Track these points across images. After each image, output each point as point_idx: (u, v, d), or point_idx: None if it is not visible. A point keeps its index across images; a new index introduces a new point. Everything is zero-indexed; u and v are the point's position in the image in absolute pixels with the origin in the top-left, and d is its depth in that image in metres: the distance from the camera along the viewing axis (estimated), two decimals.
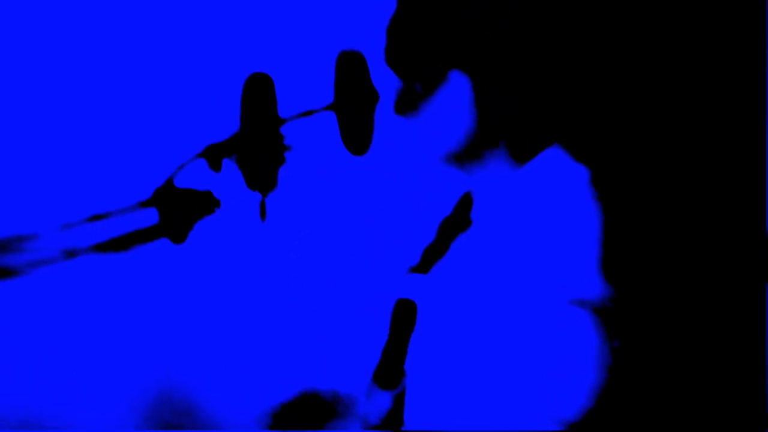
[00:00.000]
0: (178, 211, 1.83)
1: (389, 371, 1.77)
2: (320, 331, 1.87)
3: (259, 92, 1.86)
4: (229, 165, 1.85)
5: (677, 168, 1.94)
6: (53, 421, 1.72)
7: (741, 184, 1.92)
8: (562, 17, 1.80)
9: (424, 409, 1.74)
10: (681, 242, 1.91)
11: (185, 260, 1.81)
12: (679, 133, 1.94)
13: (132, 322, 1.82)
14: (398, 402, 1.79)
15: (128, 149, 1.81)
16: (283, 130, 1.87)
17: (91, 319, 1.77)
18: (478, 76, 1.76)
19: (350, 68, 1.82)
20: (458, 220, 1.84)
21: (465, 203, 1.87)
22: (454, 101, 1.77)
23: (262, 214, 1.84)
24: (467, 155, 1.78)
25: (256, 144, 1.85)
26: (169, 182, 1.84)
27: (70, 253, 1.75)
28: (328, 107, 1.80)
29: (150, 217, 1.82)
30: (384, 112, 1.80)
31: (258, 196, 1.85)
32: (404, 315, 1.78)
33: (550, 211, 1.71)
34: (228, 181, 1.84)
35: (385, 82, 1.77)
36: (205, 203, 1.84)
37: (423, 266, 1.82)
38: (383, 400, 1.77)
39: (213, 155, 1.86)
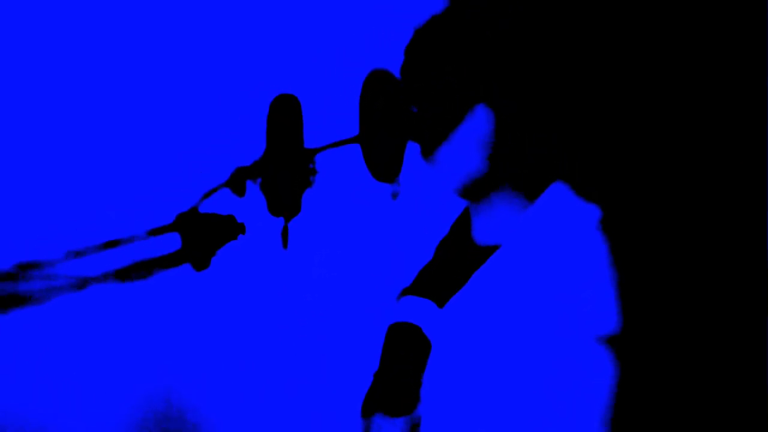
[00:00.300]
0: (202, 236, 1.81)
1: (401, 399, 1.74)
2: (343, 360, 1.84)
3: (285, 113, 1.83)
4: (252, 189, 1.82)
5: (678, 179, 1.91)
6: None
7: (745, 205, 1.89)
8: (561, 21, 1.77)
9: None
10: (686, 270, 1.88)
11: (206, 287, 1.79)
12: (685, 147, 1.91)
13: (149, 347, 1.80)
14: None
15: (151, 171, 1.79)
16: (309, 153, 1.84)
17: (106, 346, 1.75)
18: (497, 106, 1.72)
19: (375, 92, 1.79)
20: (457, 240, 1.80)
21: (463, 222, 1.83)
22: (473, 132, 1.73)
23: (285, 241, 1.82)
24: (476, 191, 1.75)
25: (281, 168, 1.82)
26: (193, 208, 1.81)
27: (89, 280, 1.73)
28: (355, 139, 1.77)
29: (172, 242, 1.80)
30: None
31: (281, 221, 1.82)
32: (402, 340, 1.74)
33: (559, 245, 1.68)
34: (251, 206, 1.82)
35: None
36: (228, 228, 1.82)
37: (429, 292, 1.78)
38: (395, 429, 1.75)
39: (237, 179, 1.83)
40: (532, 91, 1.75)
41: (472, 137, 1.73)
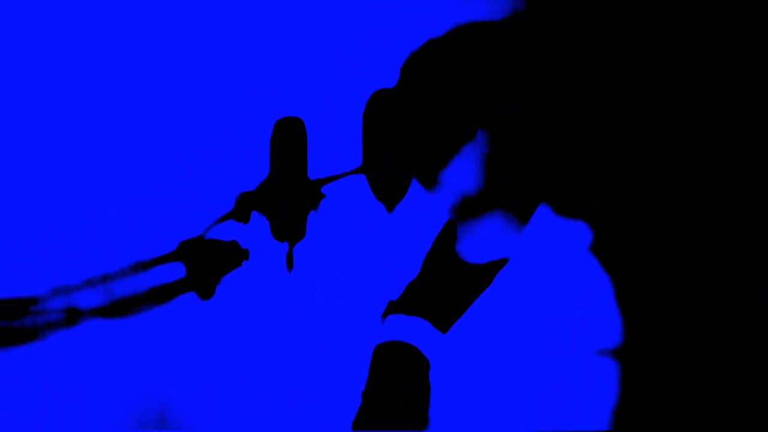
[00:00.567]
0: (206, 264, 1.81)
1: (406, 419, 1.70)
2: (349, 382, 1.81)
3: (288, 136, 1.81)
4: (255, 214, 1.81)
5: (681, 184, 1.80)
6: None
7: (748, 212, 1.77)
8: (564, 24, 1.70)
9: None
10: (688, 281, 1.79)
11: (211, 314, 1.79)
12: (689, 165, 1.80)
13: (156, 376, 1.82)
14: None
15: (154, 198, 1.80)
16: (312, 176, 1.82)
17: (106, 378, 1.78)
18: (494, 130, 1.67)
19: (377, 119, 1.76)
20: (442, 254, 1.74)
21: (448, 235, 1.76)
22: (470, 153, 1.67)
23: (289, 264, 1.80)
24: (471, 209, 1.70)
25: (285, 191, 1.80)
26: (198, 236, 1.82)
27: (90, 312, 1.76)
28: (359, 170, 1.75)
29: (175, 271, 1.81)
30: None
31: (285, 246, 1.80)
32: (395, 360, 1.70)
33: (555, 261, 1.62)
34: (254, 231, 1.81)
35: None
36: (232, 255, 1.81)
37: (416, 309, 1.73)
38: None
39: (242, 206, 1.82)
40: (534, 96, 1.68)
41: (472, 158, 1.68)
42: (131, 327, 1.77)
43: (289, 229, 1.80)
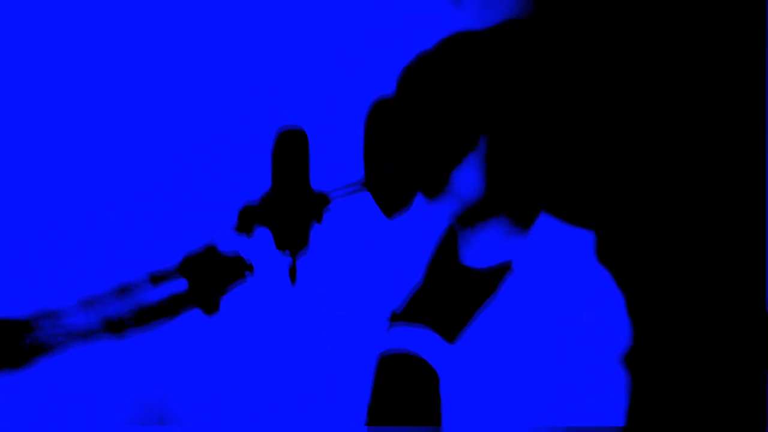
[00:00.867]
0: (210, 279, 1.78)
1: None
2: (353, 398, 1.79)
3: (290, 147, 1.80)
4: (258, 227, 1.79)
5: (681, 184, 1.82)
6: None
7: (747, 212, 1.80)
8: (562, 24, 1.71)
9: None
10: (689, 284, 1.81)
11: (216, 327, 1.76)
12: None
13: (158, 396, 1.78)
14: None
15: (153, 211, 1.77)
16: (316, 186, 1.80)
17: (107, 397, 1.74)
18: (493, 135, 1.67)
19: (381, 125, 1.75)
20: (444, 262, 1.74)
21: (449, 243, 1.76)
22: (472, 161, 1.67)
23: (293, 278, 1.77)
24: (472, 215, 1.69)
25: (288, 203, 1.78)
26: (201, 250, 1.79)
27: (95, 330, 1.72)
28: (361, 184, 1.73)
29: (178, 286, 1.77)
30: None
31: (288, 258, 1.77)
32: (402, 371, 1.68)
33: (559, 266, 1.62)
34: (257, 243, 1.78)
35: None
36: (236, 268, 1.78)
37: (419, 317, 1.71)
38: None
39: (245, 218, 1.80)
40: (536, 99, 1.69)
41: (474, 163, 1.68)
42: (134, 344, 1.73)
43: (292, 241, 1.78)
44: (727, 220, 1.79)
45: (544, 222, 1.66)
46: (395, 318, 1.66)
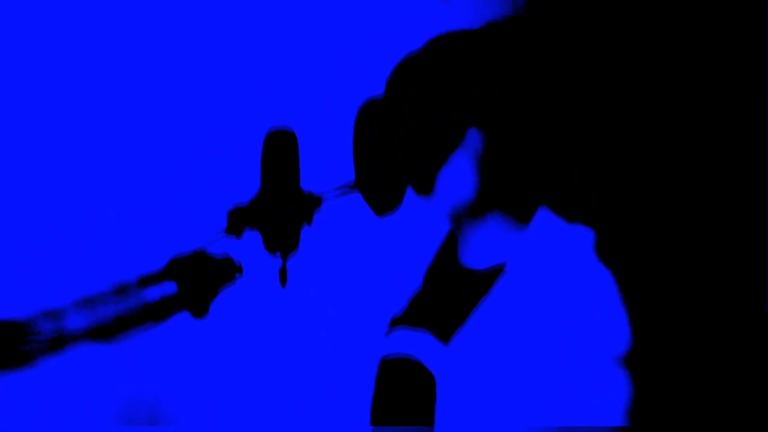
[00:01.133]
0: (198, 281, 1.76)
1: None
2: (344, 400, 1.77)
3: (279, 148, 1.78)
4: (248, 228, 1.77)
5: (679, 183, 1.82)
6: None
7: (747, 211, 1.79)
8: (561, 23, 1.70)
9: None
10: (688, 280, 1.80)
11: (206, 330, 1.74)
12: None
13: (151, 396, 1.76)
14: None
15: (142, 213, 1.76)
16: (305, 187, 1.79)
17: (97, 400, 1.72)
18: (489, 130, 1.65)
19: (371, 125, 1.73)
20: (444, 266, 1.73)
21: (449, 247, 1.75)
22: (464, 157, 1.66)
23: (283, 279, 1.76)
24: (471, 211, 1.68)
25: (278, 205, 1.76)
26: (191, 253, 1.77)
27: (80, 335, 1.70)
28: (352, 185, 1.72)
29: (166, 289, 1.75)
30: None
31: (278, 260, 1.76)
32: (398, 373, 1.67)
33: (559, 267, 1.61)
34: (247, 245, 1.77)
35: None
36: (226, 271, 1.77)
37: (420, 322, 1.71)
38: None
39: (235, 220, 1.78)
40: (531, 95, 1.68)
41: (465, 158, 1.66)
42: (126, 346, 1.71)
43: (282, 242, 1.76)
44: (728, 220, 1.79)
45: (543, 220, 1.65)
46: (396, 322, 1.66)
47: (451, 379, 1.65)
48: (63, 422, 1.70)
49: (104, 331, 1.72)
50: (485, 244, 1.69)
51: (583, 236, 1.64)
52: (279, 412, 1.76)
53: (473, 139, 1.66)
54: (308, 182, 1.78)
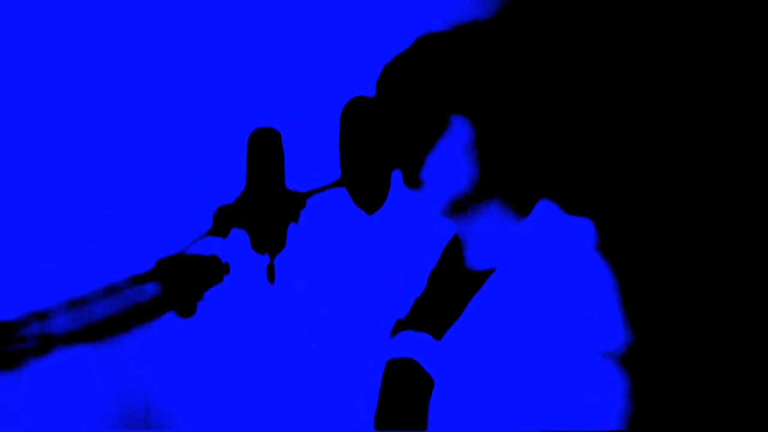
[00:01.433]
0: (185, 280, 1.76)
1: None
2: (333, 397, 1.76)
3: (264, 147, 1.78)
4: (234, 228, 1.77)
5: (675, 183, 1.81)
6: None
7: (748, 206, 1.78)
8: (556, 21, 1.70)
9: None
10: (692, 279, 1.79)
11: (194, 330, 1.74)
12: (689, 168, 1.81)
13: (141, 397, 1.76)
14: None
15: (128, 215, 1.76)
16: (290, 185, 1.79)
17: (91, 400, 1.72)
18: (477, 120, 1.65)
19: (356, 122, 1.73)
20: (449, 268, 1.72)
21: (454, 249, 1.75)
22: (454, 146, 1.65)
23: (271, 276, 1.75)
24: (466, 205, 1.68)
25: (264, 203, 1.76)
26: (177, 253, 1.77)
27: (67, 337, 1.70)
28: (339, 182, 1.72)
29: (152, 289, 1.75)
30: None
31: (266, 258, 1.76)
32: (401, 376, 1.67)
33: (556, 262, 1.59)
34: (234, 244, 1.77)
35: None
36: (213, 270, 1.77)
37: (424, 324, 1.71)
38: None
39: (221, 220, 1.78)
40: (520, 96, 1.68)
41: (455, 151, 1.66)
42: (113, 348, 1.71)
43: (269, 241, 1.76)
44: (729, 219, 1.78)
45: (541, 214, 1.64)
46: (401, 325, 1.66)
47: (447, 378, 1.64)
48: (51, 425, 1.70)
49: (92, 333, 1.72)
50: (484, 242, 1.68)
51: (584, 231, 1.63)
52: (269, 411, 1.75)
53: (461, 130, 1.66)
54: (294, 181, 1.78)
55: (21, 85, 1.76)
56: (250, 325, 1.73)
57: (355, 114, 1.75)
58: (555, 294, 1.59)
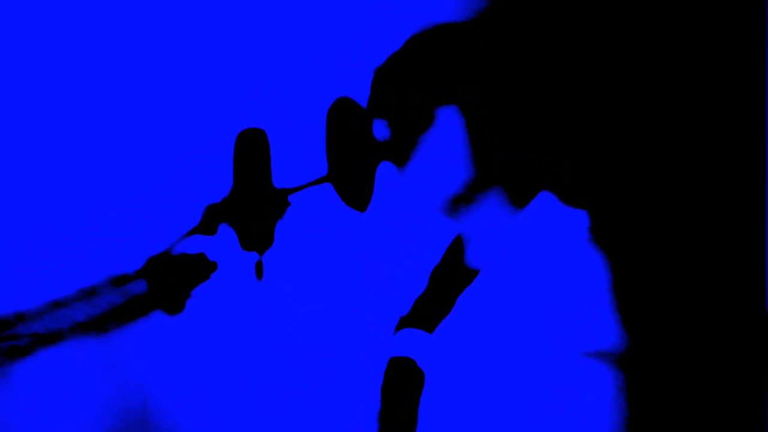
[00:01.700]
0: (172, 279, 1.77)
1: None
2: (323, 394, 1.76)
3: (251, 146, 1.80)
4: (222, 226, 1.78)
5: (672, 182, 1.78)
6: None
7: (743, 206, 1.75)
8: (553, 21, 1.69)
9: None
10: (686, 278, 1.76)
11: (182, 328, 1.75)
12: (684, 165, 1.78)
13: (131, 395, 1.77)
14: None
15: (116, 213, 1.77)
16: (277, 184, 1.80)
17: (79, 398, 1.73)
18: (469, 112, 1.64)
19: (343, 120, 1.74)
20: (451, 267, 1.71)
21: (456, 249, 1.73)
22: (448, 143, 1.65)
23: (259, 273, 1.76)
24: (463, 201, 1.66)
25: (251, 201, 1.77)
26: (166, 252, 1.78)
27: (63, 332, 1.72)
28: (325, 178, 1.72)
29: (139, 288, 1.77)
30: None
31: (254, 255, 1.77)
32: (401, 375, 1.66)
33: (553, 259, 1.57)
34: (221, 242, 1.78)
35: (378, 128, 1.66)
36: (200, 268, 1.78)
37: (426, 323, 1.69)
38: None
39: (209, 218, 1.79)
40: (519, 95, 1.67)
41: (452, 148, 1.65)
42: (102, 345, 1.73)
43: (257, 238, 1.77)
44: (727, 217, 1.76)
45: (538, 207, 1.63)
46: (403, 323, 1.66)
47: (441, 374, 1.63)
48: (41, 426, 1.72)
49: (79, 332, 1.73)
50: (482, 239, 1.67)
51: (580, 225, 1.61)
52: (261, 408, 1.75)
53: (457, 127, 1.65)
54: (280, 179, 1.79)
55: (7, 84, 1.79)
56: (240, 322, 1.73)
57: (342, 112, 1.75)
58: (555, 292, 1.57)
